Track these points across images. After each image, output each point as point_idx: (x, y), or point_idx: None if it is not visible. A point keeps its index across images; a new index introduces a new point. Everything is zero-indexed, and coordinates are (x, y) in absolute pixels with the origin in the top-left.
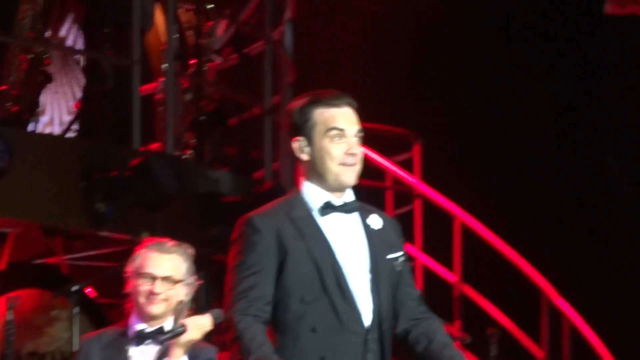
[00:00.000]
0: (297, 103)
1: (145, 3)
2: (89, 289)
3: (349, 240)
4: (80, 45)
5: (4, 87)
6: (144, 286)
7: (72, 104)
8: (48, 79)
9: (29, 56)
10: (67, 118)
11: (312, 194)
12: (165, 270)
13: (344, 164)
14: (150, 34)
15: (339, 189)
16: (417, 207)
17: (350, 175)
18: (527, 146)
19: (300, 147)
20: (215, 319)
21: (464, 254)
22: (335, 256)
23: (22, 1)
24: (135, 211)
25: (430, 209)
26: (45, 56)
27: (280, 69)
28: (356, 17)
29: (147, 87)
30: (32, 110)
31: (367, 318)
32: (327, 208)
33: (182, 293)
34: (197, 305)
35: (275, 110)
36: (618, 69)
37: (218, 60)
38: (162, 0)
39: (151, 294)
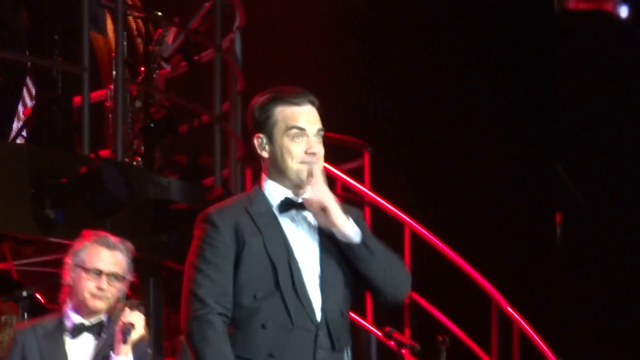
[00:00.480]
0: (259, 100)
1: (97, 10)
2: (39, 295)
3: (305, 238)
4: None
5: None
6: (90, 281)
7: (21, 110)
8: None
9: None
10: (16, 124)
11: (273, 190)
12: (112, 267)
13: (303, 162)
14: (99, 41)
15: (299, 186)
16: (367, 215)
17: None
18: (476, 154)
19: (261, 144)
20: (137, 310)
21: (414, 261)
22: (291, 253)
23: None
24: (85, 217)
25: (380, 216)
26: None
27: (230, 76)
28: (306, 26)
29: (97, 94)
30: None
31: (318, 315)
32: (286, 205)
33: (122, 289)
34: (147, 311)
35: (225, 118)
36: (570, 74)
37: (167, 67)
38: (111, 8)
39: (98, 290)
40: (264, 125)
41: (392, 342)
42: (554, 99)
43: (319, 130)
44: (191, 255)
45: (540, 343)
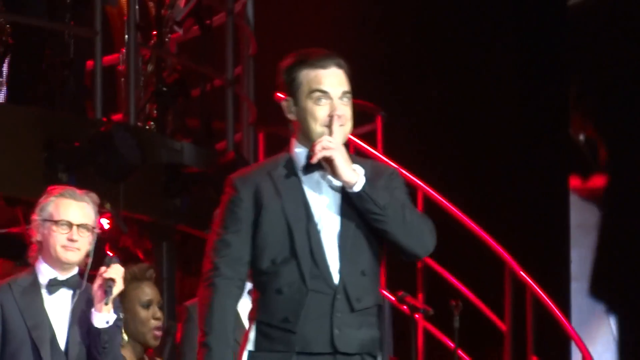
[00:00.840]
0: (286, 62)
1: None
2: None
3: (327, 200)
4: None
5: None
6: (60, 234)
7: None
8: (9, 49)
9: None
10: None
11: (299, 153)
12: (81, 218)
13: (327, 126)
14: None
15: None
16: None
17: (336, 135)
18: (490, 119)
19: (288, 107)
20: (115, 264)
21: None
22: (311, 216)
23: None
24: (97, 181)
25: None
26: (6, 26)
27: (242, 40)
28: None
29: (109, 58)
30: None
31: (335, 278)
32: (310, 167)
33: (92, 241)
34: (160, 275)
35: (237, 82)
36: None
37: (179, 31)
38: None
39: (69, 242)
40: (290, 88)
41: (405, 307)
42: (566, 65)
43: (344, 93)
44: (215, 219)
45: (554, 307)
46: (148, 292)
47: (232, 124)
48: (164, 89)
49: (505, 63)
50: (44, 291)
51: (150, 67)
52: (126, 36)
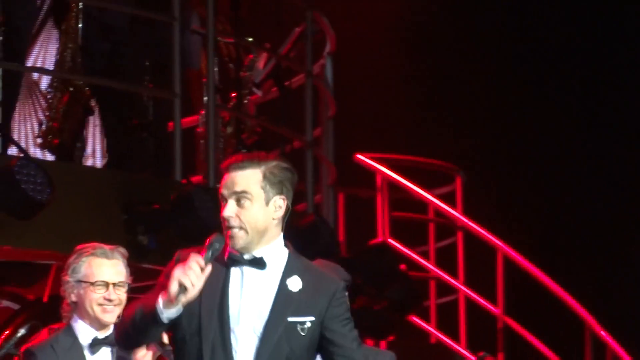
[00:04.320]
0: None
1: (193, 40)
2: None
3: (251, 298)
4: None
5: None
6: (98, 294)
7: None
8: (89, 111)
9: (69, 89)
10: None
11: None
12: (116, 276)
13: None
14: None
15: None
16: (459, 239)
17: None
18: (569, 178)
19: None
20: None
21: (507, 286)
22: (225, 312)
23: (62, 34)
24: (177, 243)
25: (473, 241)
26: (85, 89)
27: (321, 102)
28: (397, 51)
29: (189, 120)
30: (74, 142)
31: None
32: (235, 261)
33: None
34: None
35: (316, 143)
36: None
37: (259, 93)
38: (201, 34)
39: (107, 301)
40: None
41: None
42: None
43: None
44: None
45: None
46: None
47: (312, 185)
48: (244, 150)
49: (585, 121)
50: (86, 352)
51: (229, 129)
52: (205, 98)
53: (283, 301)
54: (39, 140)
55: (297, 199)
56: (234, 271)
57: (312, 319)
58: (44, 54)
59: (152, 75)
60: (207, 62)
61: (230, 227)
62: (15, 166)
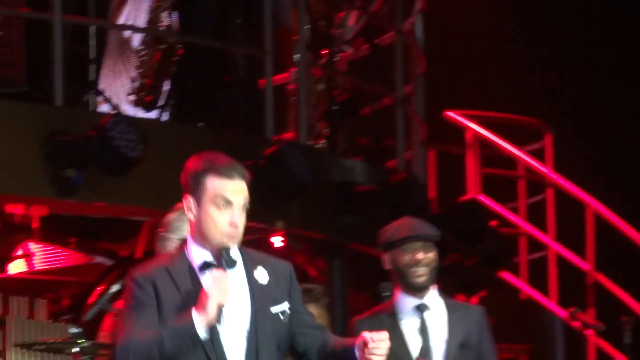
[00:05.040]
0: (193, 165)
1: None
2: None
3: (231, 297)
4: None
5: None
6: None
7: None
8: (181, 68)
9: (161, 47)
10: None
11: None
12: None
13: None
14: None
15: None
16: (550, 196)
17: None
18: None
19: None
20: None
21: (597, 241)
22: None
23: None
24: (269, 200)
25: (563, 197)
26: (177, 47)
27: (411, 59)
28: (488, 8)
29: (280, 77)
30: (164, 99)
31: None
32: (206, 266)
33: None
34: (332, 292)
35: (407, 100)
36: None
37: (349, 50)
38: None
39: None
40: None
41: (577, 323)
42: None
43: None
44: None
45: None
46: (314, 313)
47: (403, 142)
48: (335, 107)
49: None
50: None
51: (320, 86)
52: (296, 56)
53: (260, 294)
54: (132, 98)
55: (388, 155)
56: (205, 276)
57: (287, 304)
58: (135, 12)
59: (245, 33)
60: (298, 20)
61: (235, 235)
62: (109, 123)
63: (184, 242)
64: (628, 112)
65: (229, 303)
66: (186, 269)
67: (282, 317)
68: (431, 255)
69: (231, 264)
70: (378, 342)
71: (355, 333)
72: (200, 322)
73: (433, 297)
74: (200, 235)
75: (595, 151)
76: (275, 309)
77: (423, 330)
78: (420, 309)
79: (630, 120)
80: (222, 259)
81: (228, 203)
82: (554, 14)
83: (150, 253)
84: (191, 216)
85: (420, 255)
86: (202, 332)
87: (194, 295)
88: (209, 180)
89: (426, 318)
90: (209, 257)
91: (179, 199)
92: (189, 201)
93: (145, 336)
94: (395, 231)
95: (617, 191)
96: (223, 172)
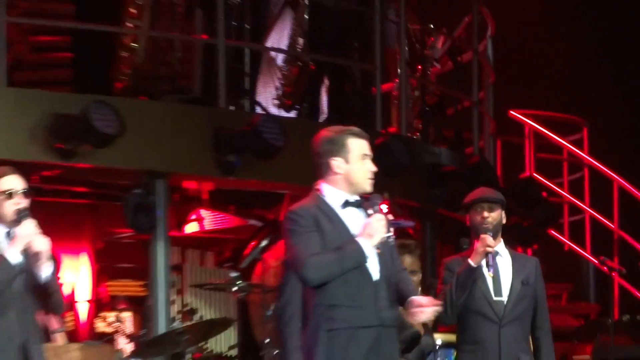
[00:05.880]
0: (331, 133)
1: (389, 27)
2: None
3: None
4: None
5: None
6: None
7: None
8: (313, 80)
9: (298, 64)
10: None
11: (338, 193)
12: None
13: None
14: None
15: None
16: (586, 174)
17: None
18: None
19: (337, 165)
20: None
21: (620, 208)
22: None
23: (293, 22)
24: (378, 177)
25: (596, 175)
26: (310, 63)
27: (484, 72)
28: (542, 36)
29: (386, 86)
30: (302, 103)
31: (376, 276)
32: (347, 204)
33: None
34: (424, 246)
35: (480, 103)
36: None
37: (438, 66)
38: (395, 22)
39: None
40: (341, 151)
41: (605, 268)
42: None
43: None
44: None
45: None
46: (408, 261)
47: (477, 134)
48: (427, 108)
49: None
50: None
51: (416, 93)
52: (399, 70)
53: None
54: (276, 102)
55: (466, 144)
56: (345, 210)
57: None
58: (279, 38)
59: (360, 52)
60: (399, 43)
61: (372, 180)
62: (259, 121)
63: (316, 190)
64: None
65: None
66: (328, 207)
67: (390, 241)
68: (494, 214)
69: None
70: (423, 307)
71: (445, 269)
72: (366, 247)
73: (501, 247)
74: (348, 182)
75: (627, 140)
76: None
77: (495, 270)
78: (493, 256)
79: None
80: (372, 203)
81: (367, 156)
82: (589, 23)
83: None
84: (339, 171)
85: (486, 214)
86: (367, 254)
87: (343, 229)
88: (350, 141)
89: (497, 262)
90: (349, 197)
91: (309, 177)
92: (333, 161)
93: (323, 256)
94: (471, 196)
95: (637, 171)
96: (359, 134)
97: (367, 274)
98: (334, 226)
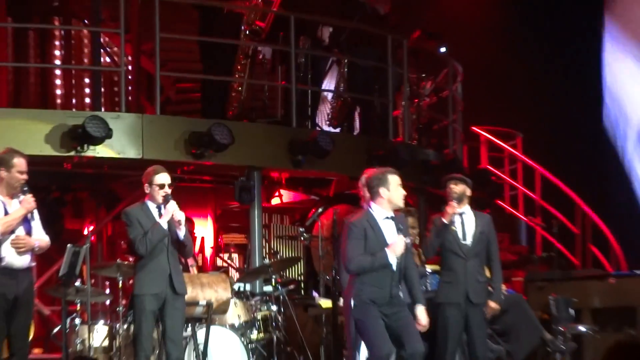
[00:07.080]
0: (375, 174)
1: (395, 73)
2: None
3: (392, 234)
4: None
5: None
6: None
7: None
8: (350, 110)
9: (341, 99)
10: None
11: (381, 211)
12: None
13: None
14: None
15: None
16: (519, 166)
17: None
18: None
19: (383, 192)
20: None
21: (542, 194)
22: (386, 242)
23: (338, 73)
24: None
25: (527, 169)
26: (348, 100)
27: (456, 103)
28: (496, 67)
29: (396, 112)
30: (343, 123)
31: (393, 268)
32: (386, 218)
33: None
34: (419, 211)
35: (455, 121)
36: None
37: (427, 100)
38: (401, 72)
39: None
40: (385, 184)
41: (532, 223)
42: None
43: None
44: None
45: None
46: (411, 220)
47: (452, 142)
48: (420, 126)
49: None
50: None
51: (414, 116)
52: (403, 102)
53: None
54: (327, 123)
55: (445, 148)
56: (384, 222)
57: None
58: (329, 83)
59: (379, 92)
60: (403, 86)
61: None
62: (317, 134)
63: (366, 205)
64: (574, 119)
65: (391, 238)
66: (374, 220)
67: (407, 244)
68: (459, 188)
69: (399, 228)
70: (422, 326)
71: (432, 222)
72: (390, 257)
73: (467, 209)
74: (390, 203)
75: (544, 144)
76: (406, 240)
77: (462, 223)
78: (460, 214)
79: (574, 124)
80: (397, 221)
81: (400, 185)
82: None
83: (337, 195)
84: (385, 194)
85: (453, 186)
86: (391, 262)
87: (380, 235)
88: (390, 177)
89: (463, 218)
90: (388, 214)
91: (349, 169)
92: (381, 190)
93: (363, 257)
94: (446, 178)
95: (552, 163)
96: (395, 172)
97: (389, 267)
98: (375, 234)
